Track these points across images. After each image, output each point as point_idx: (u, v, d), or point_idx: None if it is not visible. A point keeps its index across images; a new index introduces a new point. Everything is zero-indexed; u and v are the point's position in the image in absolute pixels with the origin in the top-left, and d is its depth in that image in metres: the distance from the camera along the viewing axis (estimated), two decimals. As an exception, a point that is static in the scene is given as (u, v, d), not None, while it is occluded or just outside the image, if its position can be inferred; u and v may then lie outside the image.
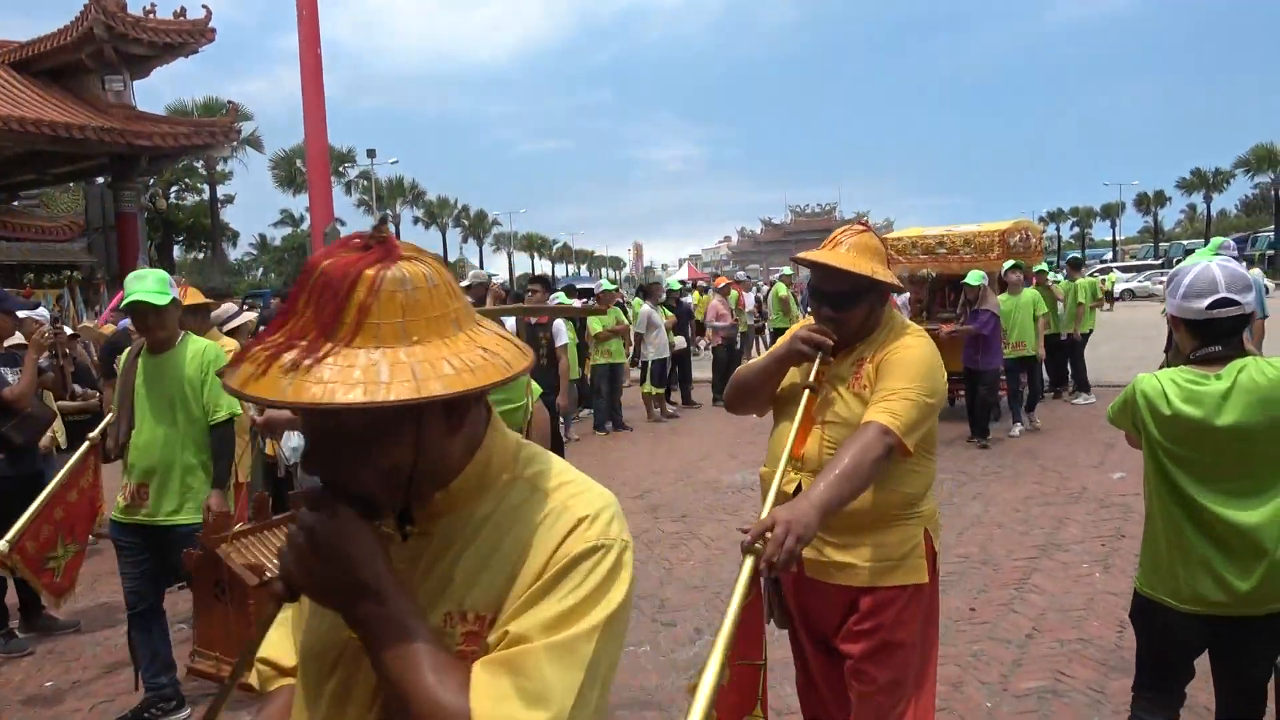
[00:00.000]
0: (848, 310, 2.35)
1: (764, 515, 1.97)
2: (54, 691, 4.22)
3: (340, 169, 50.60)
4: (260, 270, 57.41)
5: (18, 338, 5.19)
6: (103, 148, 16.70)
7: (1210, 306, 2.30)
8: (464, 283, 9.91)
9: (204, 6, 18.20)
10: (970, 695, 3.70)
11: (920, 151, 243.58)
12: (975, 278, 9.11)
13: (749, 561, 1.88)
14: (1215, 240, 7.18)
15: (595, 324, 10.90)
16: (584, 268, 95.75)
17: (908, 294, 14.47)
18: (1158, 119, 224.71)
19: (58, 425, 6.05)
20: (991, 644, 4.19)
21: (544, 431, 3.56)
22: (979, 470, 7.80)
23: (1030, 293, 9.51)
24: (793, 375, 2.48)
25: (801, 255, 2.45)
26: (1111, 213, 75.02)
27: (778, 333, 13.41)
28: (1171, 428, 2.35)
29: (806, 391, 2.34)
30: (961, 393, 9.68)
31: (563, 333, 7.79)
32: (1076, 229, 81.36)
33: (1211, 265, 2.34)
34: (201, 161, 35.22)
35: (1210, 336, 2.35)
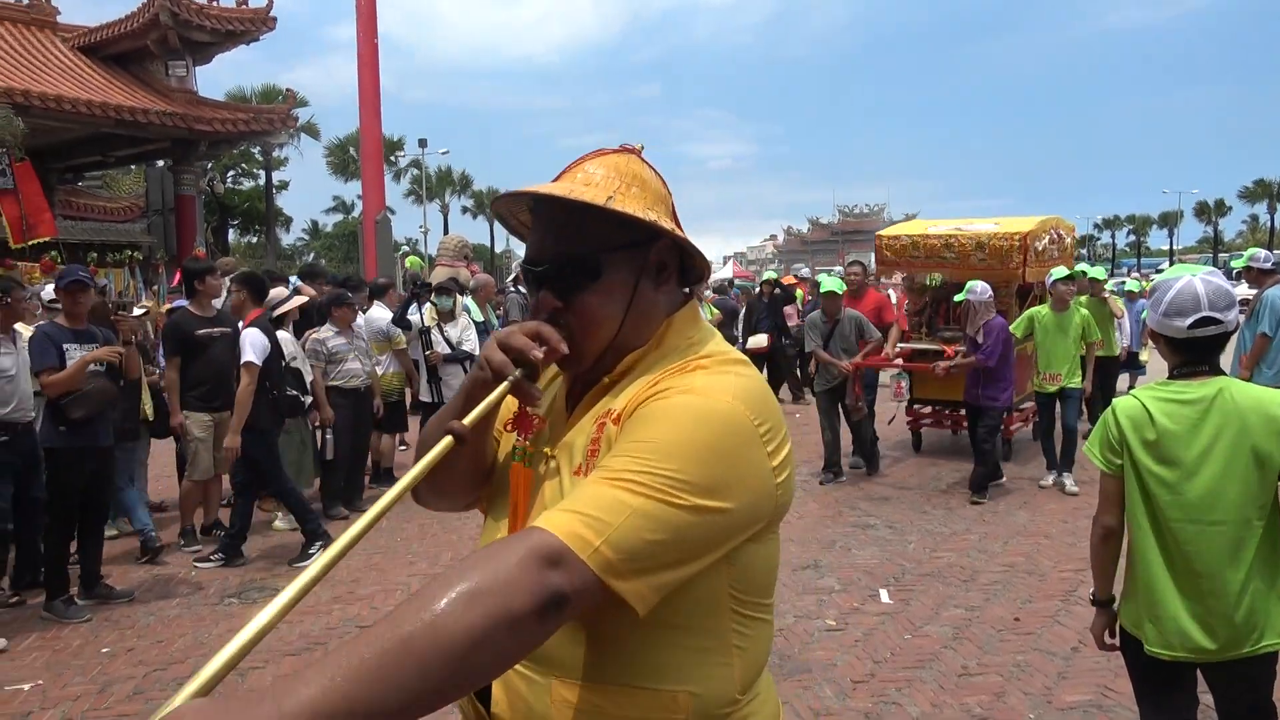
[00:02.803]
0: (580, 293, 1.19)
1: (162, 712, 0.82)
2: (109, 657, 4.36)
3: (391, 158, 51.25)
4: (311, 255, 58.40)
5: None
6: (165, 132, 17.09)
7: (1192, 326, 2.24)
8: (510, 277, 9.97)
9: (265, -6, 18.53)
10: (1013, 705, 3.66)
11: (972, 154, 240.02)
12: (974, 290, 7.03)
13: None
14: (1249, 250, 6.96)
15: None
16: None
17: (892, 295, 12.31)
18: (1221, 125, 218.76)
19: (145, 398, 6.25)
20: (1036, 655, 4.13)
21: None
22: (1026, 479, 7.68)
23: (1083, 314, 7.30)
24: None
25: (505, 193, 1.29)
26: (1169, 221, 73.32)
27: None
28: (1154, 445, 2.29)
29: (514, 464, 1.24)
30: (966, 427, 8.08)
31: (249, 348, 5.70)
32: (1132, 237, 79.70)
33: (1195, 281, 2.27)
34: (258, 147, 35.90)
35: (1191, 354, 2.30)
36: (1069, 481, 7.20)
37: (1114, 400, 2.44)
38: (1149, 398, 2.33)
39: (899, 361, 8.21)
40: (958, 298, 7.30)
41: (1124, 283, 12.12)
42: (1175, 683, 2.39)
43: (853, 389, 7.55)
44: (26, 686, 4.04)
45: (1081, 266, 9.17)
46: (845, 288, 7.93)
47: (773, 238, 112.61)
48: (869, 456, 8.07)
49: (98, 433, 5.01)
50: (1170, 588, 2.30)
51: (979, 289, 7.04)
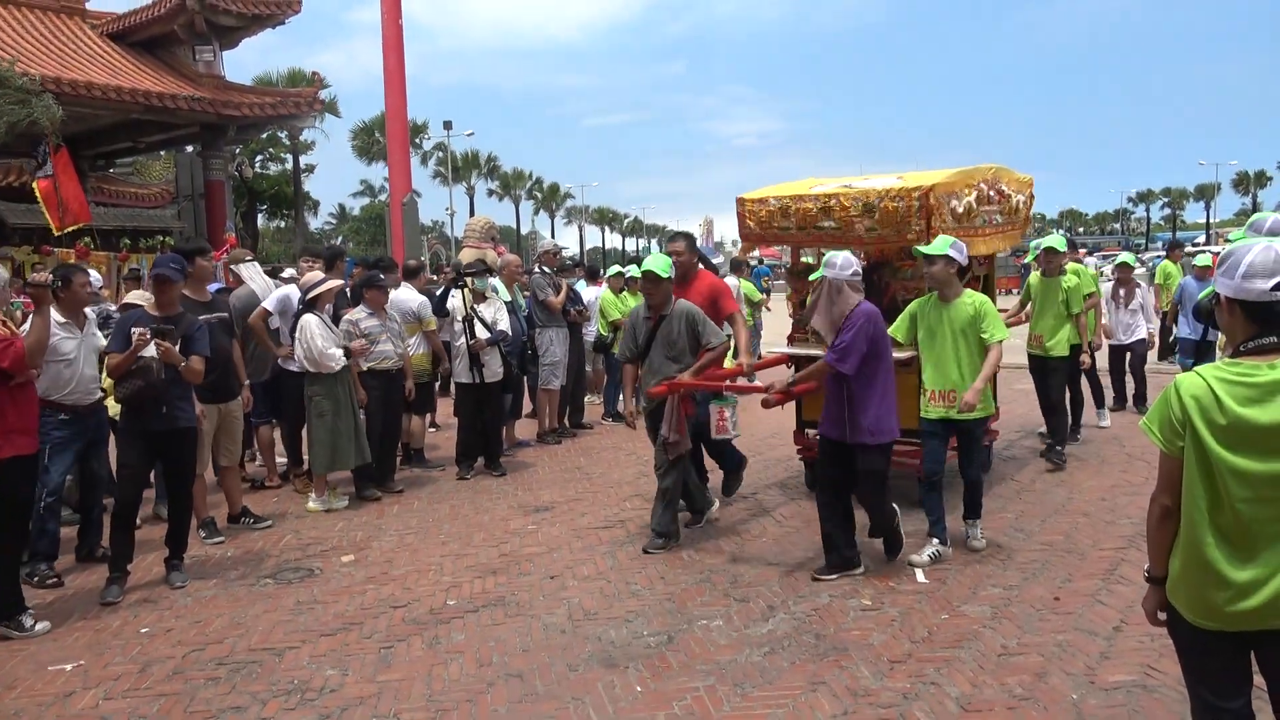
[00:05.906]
0: None
1: None
2: (148, 638, 4.41)
3: (416, 140, 51.36)
4: (339, 239, 58.86)
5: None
6: (194, 117, 17.20)
7: (1276, 288, 2.17)
8: (539, 252, 9.95)
9: (290, -22, 18.52)
10: (1055, 686, 3.60)
11: (1004, 127, 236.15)
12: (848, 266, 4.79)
13: None
14: None
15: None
16: (654, 242, 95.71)
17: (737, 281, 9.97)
18: (1261, 94, 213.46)
19: None
20: (1077, 635, 4.06)
21: None
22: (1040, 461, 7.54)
23: (980, 305, 5.03)
24: None
25: None
26: (1206, 194, 71.87)
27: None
28: (1223, 428, 2.19)
29: None
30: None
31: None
32: (1167, 210, 78.31)
33: (1275, 246, 2.21)
34: (285, 132, 36.08)
35: (1267, 322, 2.21)
36: (977, 534, 5.26)
37: (1177, 377, 2.33)
38: (1215, 378, 2.22)
39: (721, 382, 5.70)
40: (813, 276, 5.17)
41: (1193, 256, 11.31)
42: (1225, 660, 2.33)
43: (674, 413, 5.31)
44: (69, 666, 4.09)
45: (1040, 241, 7.59)
46: (671, 270, 5.57)
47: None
48: (664, 524, 5.41)
49: (151, 416, 4.94)
50: (1225, 563, 2.23)
51: (839, 262, 4.76)
